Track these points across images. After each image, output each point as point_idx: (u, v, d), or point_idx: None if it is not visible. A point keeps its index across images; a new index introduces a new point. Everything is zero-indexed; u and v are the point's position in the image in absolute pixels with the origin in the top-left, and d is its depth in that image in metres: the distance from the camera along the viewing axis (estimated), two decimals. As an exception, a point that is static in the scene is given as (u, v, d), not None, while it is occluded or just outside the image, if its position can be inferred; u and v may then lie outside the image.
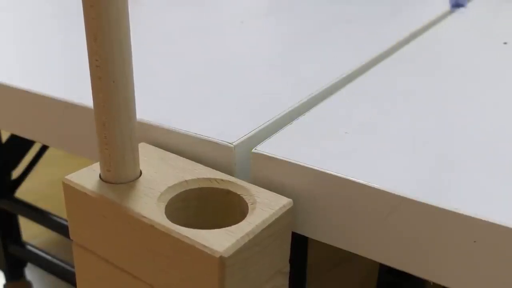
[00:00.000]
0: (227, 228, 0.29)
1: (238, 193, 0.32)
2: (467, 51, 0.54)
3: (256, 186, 0.33)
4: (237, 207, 0.32)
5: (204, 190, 0.33)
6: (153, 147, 0.37)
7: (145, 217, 0.30)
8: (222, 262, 0.27)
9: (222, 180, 0.33)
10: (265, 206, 0.31)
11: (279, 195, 0.32)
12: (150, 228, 0.29)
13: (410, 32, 0.59)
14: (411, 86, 0.45)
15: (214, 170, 0.34)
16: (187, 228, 0.29)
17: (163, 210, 0.31)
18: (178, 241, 0.28)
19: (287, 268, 0.33)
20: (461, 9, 0.67)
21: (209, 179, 0.33)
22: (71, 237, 0.35)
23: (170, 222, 0.29)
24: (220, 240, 0.28)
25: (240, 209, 0.32)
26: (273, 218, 0.30)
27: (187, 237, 0.28)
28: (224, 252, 0.27)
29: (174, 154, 0.36)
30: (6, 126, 0.50)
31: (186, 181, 0.33)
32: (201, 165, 0.35)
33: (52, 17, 0.69)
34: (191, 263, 0.28)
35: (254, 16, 0.69)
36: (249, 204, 0.31)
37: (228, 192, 0.33)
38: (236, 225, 0.29)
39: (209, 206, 0.33)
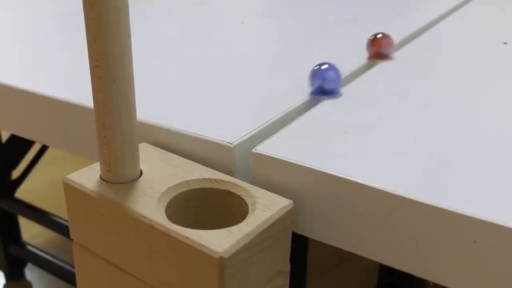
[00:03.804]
0: (227, 228, 0.29)
1: (239, 193, 0.32)
2: (467, 51, 0.54)
3: (257, 187, 0.33)
4: (238, 208, 0.32)
5: (205, 190, 0.33)
6: (154, 147, 0.37)
7: (145, 217, 0.30)
8: (221, 262, 0.27)
9: (222, 180, 0.33)
10: (265, 207, 0.31)
11: (279, 196, 0.32)
12: (149, 228, 0.29)
13: (410, 32, 0.59)
14: (411, 86, 0.45)
15: (215, 171, 0.34)
16: (186, 228, 0.29)
17: (163, 210, 0.31)
18: (177, 241, 0.28)
19: (287, 268, 0.33)
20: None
21: (210, 180, 0.33)
22: (71, 237, 0.35)
23: (170, 222, 0.29)
24: (219, 241, 0.28)
25: (241, 210, 0.32)
26: (273, 219, 0.30)
27: (186, 237, 0.28)
28: (224, 252, 0.27)
29: (174, 155, 0.36)
30: (6, 126, 0.50)
31: (186, 181, 0.33)
32: (202, 166, 0.35)
33: (52, 17, 0.69)
34: (191, 264, 0.28)
35: (254, 16, 0.69)
36: (249, 205, 0.31)
37: (229, 192, 0.33)
38: (236, 226, 0.29)
39: (210, 206, 0.33)
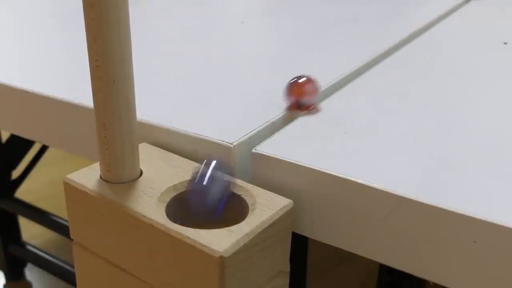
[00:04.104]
0: (227, 228, 0.29)
1: (239, 193, 0.32)
2: (467, 51, 0.54)
3: (257, 187, 0.33)
4: (238, 207, 0.32)
5: None
6: (154, 147, 0.37)
7: (145, 216, 0.30)
8: (222, 262, 0.27)
9: None
10: (265, 207, 0.31)
11: (279, 196, 0.32)
12: (150, 228, 0.29)
13: (410, 32, 0.59)
14: (411, 86, 0.45)
15: None
16: (187, 228, 0.29)
17: (163, 210, 0.31)
18: (178, 240, 0.28)
19: (287, 268, 0.33)
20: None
21: None
22: (71, 236, 0.35)
23: (170, 222, 0.29)
24: (220, 240, 0.28)
25: (241, 209, 0.32)
26: (273, 219, 0.30)
27: (187, 236, 0.28)
28: (224, 252, 0.27)
29: (174, 155, 0.36)
30: (6, 126, 0.50)
31: (186, 181, 0.33)
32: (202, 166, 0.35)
33: (52, 17, 0.69)
34: (191, 263, 0.28)
35: (254, 16, 0.69)
36: (249, 205, 0.31)
37: None
38: (236, 225, 0.29)
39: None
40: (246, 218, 0.30)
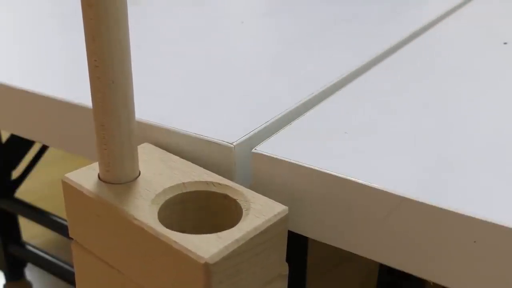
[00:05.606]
0: (217, 233, 0.28)
1: (235, 198, 0.32)
2: (467, 51, 0.54)
3: (253, 192, 0.32)
4: (234, 212, 0.32)
5: (202, 193, 0.33)
6: (155, 147, 0.37)
7: (136, 219, 0.29)
8: (207, 268, 0.27)
9: (219, 184, 0.33)
10: (258, 213, 0.30)
11: (274, 201, 0.31)
12: (140, 230, 0.29)
13: (410, 32, 0.59)
14: (411, 86, 0.45)
15: (213, 173, 0.34)
16: (175, 232, 0.28)
17: (156, 213, 0.30)
18: (166, 245, 0.28)
19: (285, 272, 0.33)
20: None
21: (207, 183, 0.33)
22: (70, 235, 0.35)
23: (161, 225, 0.29)
24: (207, 246, 0.27)
25: (236, 214, 0.31)
26: (266, 226, 0.29)
27: (174, 241, 0.28)
28: (210, 258, 0.27)
29: (174, 155, 0.36)
30: (6, 126, 0.50)
31: (183, 183, 0.33)
32: (201, 168, 0.34)
33: (52, 17, 0.69)
34: (179, 268, 0.28)
35: (254, 16, 0.69)
36: (243, 210, 0.31)
37: (225, 196, 0.32)
38: (227, 231, 0.29)
39: (208, 209, 0.33)
40: (238, 224, 0.29)
